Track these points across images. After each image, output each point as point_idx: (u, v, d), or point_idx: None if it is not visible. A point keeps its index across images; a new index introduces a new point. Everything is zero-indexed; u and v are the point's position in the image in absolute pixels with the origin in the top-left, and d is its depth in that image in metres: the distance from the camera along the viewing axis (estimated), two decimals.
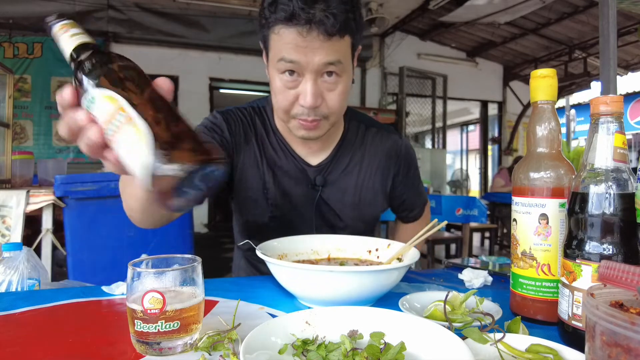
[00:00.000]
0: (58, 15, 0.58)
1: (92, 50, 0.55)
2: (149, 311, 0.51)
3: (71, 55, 0.55)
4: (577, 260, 0.56)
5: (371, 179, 1.13)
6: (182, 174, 0.45)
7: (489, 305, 0.69)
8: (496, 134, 8.33)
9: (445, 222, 0.87)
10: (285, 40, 0.86)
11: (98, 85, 0.50)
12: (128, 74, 0.52)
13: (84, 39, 0.56)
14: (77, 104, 0.52)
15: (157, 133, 0.47)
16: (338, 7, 0.84)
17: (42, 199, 2.06)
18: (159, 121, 0.48)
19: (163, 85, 0.53)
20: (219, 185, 0.50)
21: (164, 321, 0.52)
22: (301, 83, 0.91)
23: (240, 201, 1.11)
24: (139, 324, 0.52)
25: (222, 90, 6.44)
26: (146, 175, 0.46)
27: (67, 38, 0.56)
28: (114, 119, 0.48)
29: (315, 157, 1.10)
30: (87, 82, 0.51)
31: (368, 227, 1.17)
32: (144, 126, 0.47)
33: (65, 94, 0.51)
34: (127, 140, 0.47)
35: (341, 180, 1.10)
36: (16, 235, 2.01)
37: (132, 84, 0.51)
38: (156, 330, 0.52)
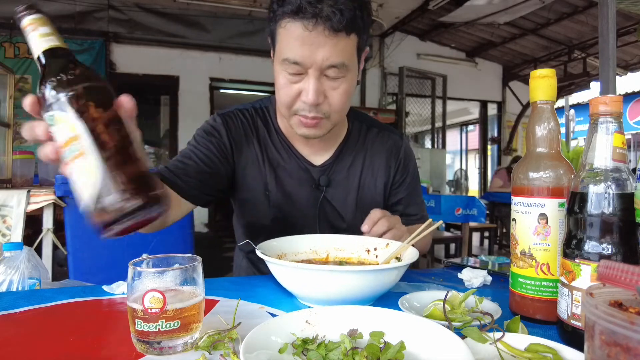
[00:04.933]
0: (27, 6, 0.52)
1: (61, 57, 0.51)
2: (149, 310, 0.52)
3: (38, 58, 0.51)
4: (576, 260, 0.57)
5: (373, 179, 1.13)
6: (125, 210, 0.47)
7: (489, 305, 0.69)
8: (495, 134, 8.33)
9: (441, 222, 0.87)
10: (291, 35, 0.86)
11: (60, 107, 0.48)
12: (93, 97, 0.49)
13: (54, 42, 0.51)
14: (39, 112, 0.50)
15: (109, 169, 0.47)
16: (346, 4, 0.84)
17: (43, 198, 2.06)
18: (113, 156, 0.48)
19: (126, 105, 0.51)
20: (154, 219, 0.51)
21: (164, 320, 0.52)
22: (304, 79, 0.90)
23: (242, 203, 1.11)
24: (139, 323, 0.52)
25: (222, 91, 6.43)
26: (91, 205, 0.48)
27: (36, 38, 0.51)
28: (70, 145, 0.48)
29: (318, 157, 1.10)
30: (50, 97, 0.49)
31: None
32: (97, 162, 0.47)
33: (27, 105, 0.49)
34: (79, 170, 0.48)
35: (345, 180, 1.10)
36: (17, 235, 2.01)
37: (95, 110, 0.49)
38: (157, 330, 0.52)
